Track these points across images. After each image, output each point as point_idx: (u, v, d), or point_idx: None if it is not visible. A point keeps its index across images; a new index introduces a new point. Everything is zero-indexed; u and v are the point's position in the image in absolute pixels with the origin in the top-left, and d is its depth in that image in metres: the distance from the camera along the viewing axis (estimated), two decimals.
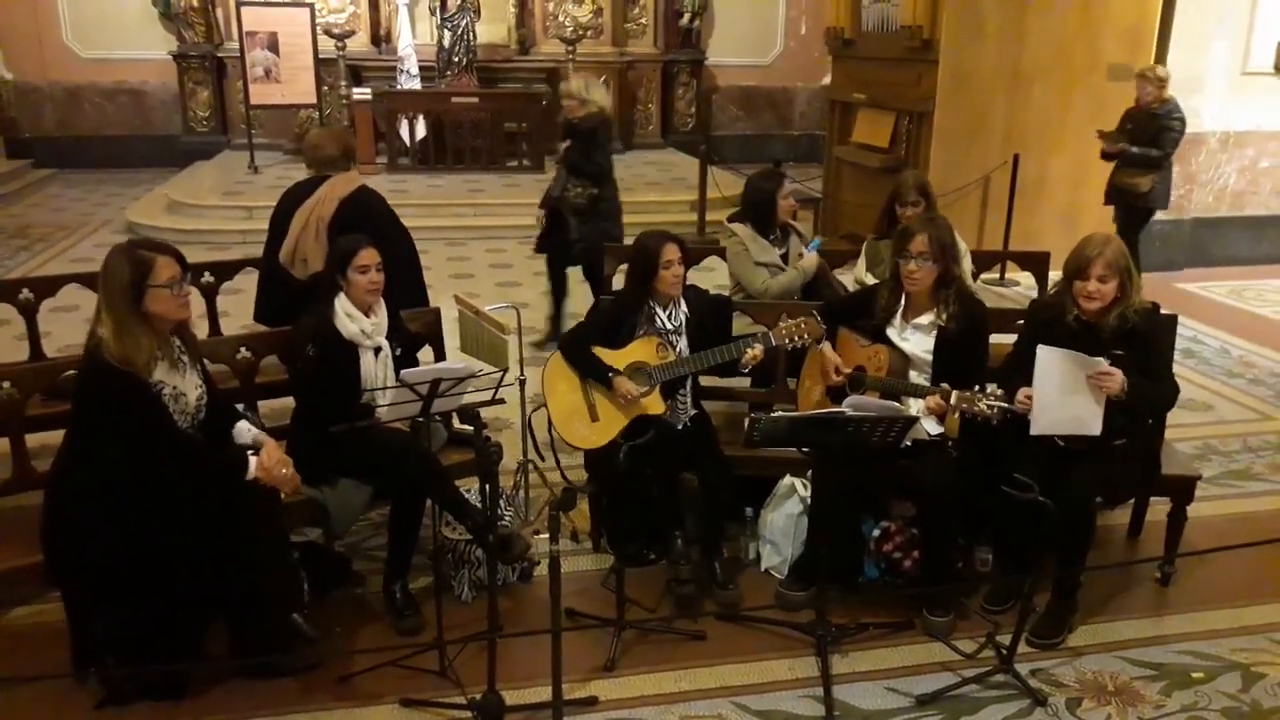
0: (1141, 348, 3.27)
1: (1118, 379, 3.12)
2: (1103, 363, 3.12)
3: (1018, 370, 3.33)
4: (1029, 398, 3.20)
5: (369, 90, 11.25)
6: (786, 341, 3.52)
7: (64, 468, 2.91)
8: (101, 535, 2.80)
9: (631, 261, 3.66)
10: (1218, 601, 3.56)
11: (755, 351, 3.50)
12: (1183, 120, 6.79)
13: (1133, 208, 6.95)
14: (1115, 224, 7.04)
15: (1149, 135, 6.75)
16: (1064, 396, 3.16)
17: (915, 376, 3.48)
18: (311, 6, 11.19)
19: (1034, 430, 3.21)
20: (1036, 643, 3.28)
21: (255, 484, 2.96)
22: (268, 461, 2.99)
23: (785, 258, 4.58)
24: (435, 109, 11.09)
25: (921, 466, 3.35)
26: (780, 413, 3.27)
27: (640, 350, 3.60)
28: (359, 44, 12.11)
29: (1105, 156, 6.98)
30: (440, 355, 4.06)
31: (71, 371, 3.13)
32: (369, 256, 3.38)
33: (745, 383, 4.08)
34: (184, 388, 2.95)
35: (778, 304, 4.24)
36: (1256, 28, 8.08)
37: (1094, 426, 3.16)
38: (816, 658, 3.14)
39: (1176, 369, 3.55)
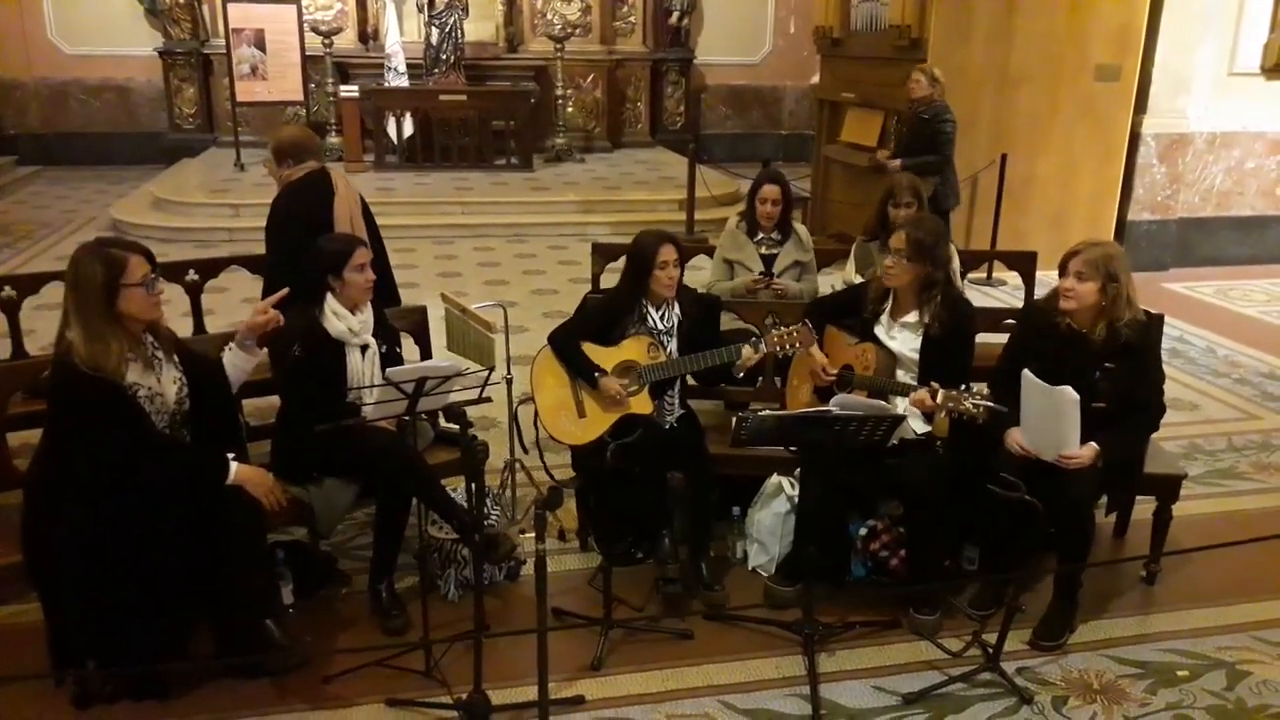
0: (1134, 362, 3.27)
1: (1086, 457, 3.17)
2: (1073, 420, 3.13)
3: (1005, 386, 3.34)
4: (1020, 445, 3.28)
5: (356, 88, 11.21)
6: (778, 349, 3.50)
7: (42, 468, 2.88)
8: (80, 536, 2.76)
9: (627, 259, 3.64)
10: (1203, 600, 3.57)
11: (750, 355, 3.48)
12: (954, 121, 6.64)
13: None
14: None
15: (924, 140, 6.65)
16: (1043, 420, 3.22)
17: (902, 375, 3.48)
18: (298, 3, 11.14)
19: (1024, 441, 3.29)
20: (1042, 646, 3.27)
21: (236, 488, 2.95)
22: (256, 478, 3.00)
23: (774, 259, 4.56)
24: (423, 106, 11.05)
25: (908, 465, 3.35)
26: (767, 411, 3.27)
27: (631, 349, 3.58)
28: (346, 41, 12.05)
29: (885, 169, 6.79)
30: (427, 354, 4.05)
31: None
32: (364, 255, 3.37)
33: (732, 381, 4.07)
34: (161, 387, 2.92)
35: (765, 303, 4.25)
36: (1243, 29, 8.12)
37: (1071, 449, 3.22)
38: (803, 656, 3.13)
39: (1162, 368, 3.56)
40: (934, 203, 6.55)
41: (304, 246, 3.89)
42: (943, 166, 6.66)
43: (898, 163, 6.66)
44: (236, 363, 3.18)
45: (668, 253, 3.54)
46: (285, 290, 3.26)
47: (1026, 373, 3.21)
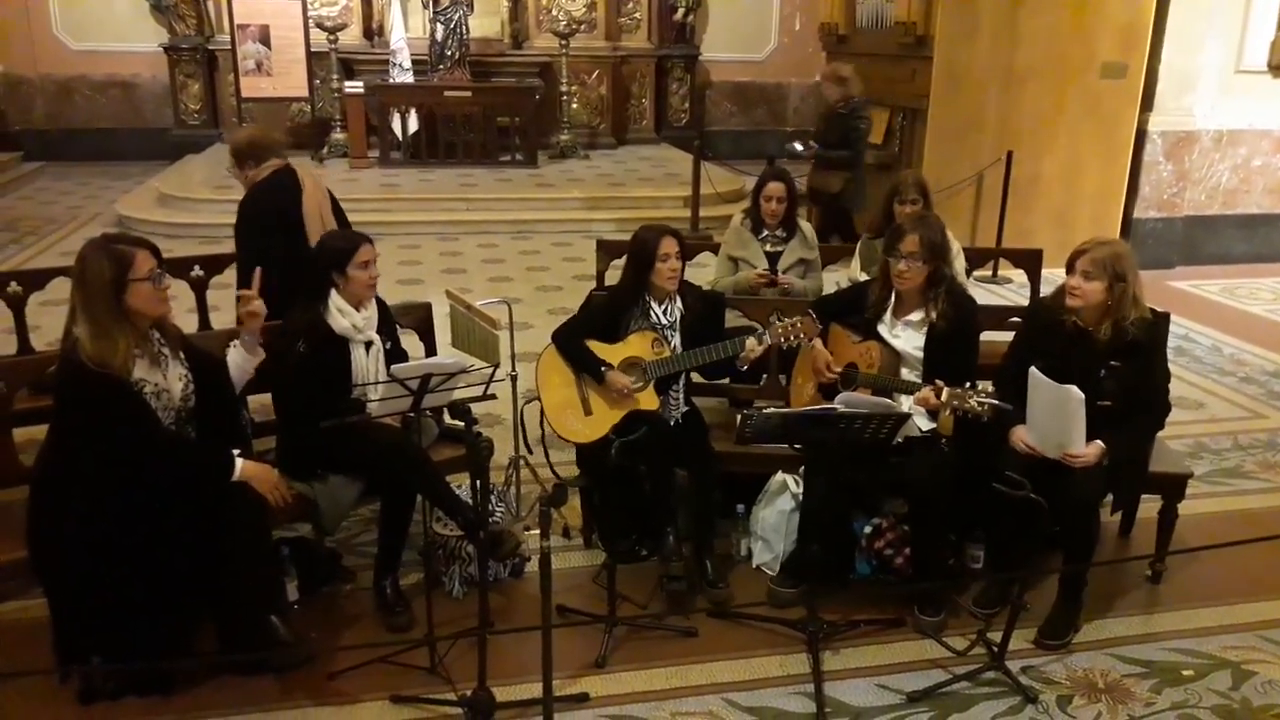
0: (1140, 361, 3.26)
1: (1091, 456, 3.17)
2: (1078, 419, 3.12)
3: (1011, 384, 3.34)
4: (1025, 443, 3.27)
5: (361, 84, 11.22)
6: (783, 340, 3.50)
7: (48, 464, 2.89)
8: (86, 532, 2.77)
9: (629, 254, 3.64)
10: (1208, 599, 3.56)
11: (754, 348, 3.48)
12: (867, 119, 6.73)
13: (829, 207, 6.83)
14: (814, 223, 6.95)
15: (838, 136, 6.70)
16: (1049, 419, 3.21)
17: (906, 373, 3.47)
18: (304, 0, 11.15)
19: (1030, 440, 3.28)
20: (1046, 644, 3.26)
21: (241, 485, 2.95)
22: (261, 474, 3.00)
23: (778, 257, 4.56)
24: (428, 103, 11.05)
25: (913, 463, 3.34)
26: (772, 409, 3.27)
27: (636, 345, 3.58)
28: (351, 37, 12.06)
29: (806, 158, 6.94)
30: (431, 350, 4.04)
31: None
32: (369, 252, 3.36)
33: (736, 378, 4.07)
34: (167, 383, 2.92)
35: (769, 300, 4.25)
36: (1250, 27, 8.09)
37: (1076, 448, 3.21)
38: (808, 654, 3.13)
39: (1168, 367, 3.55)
40: (838, 200, 6.69)
41: (276, 245, 3.92)
42: (853, 163, 6.68)
43: (812, 149, 6.74)
44: (239, 361, 3.19)
45: (668, 245, 3.53)
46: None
47: (1033, 370, 3.20)
